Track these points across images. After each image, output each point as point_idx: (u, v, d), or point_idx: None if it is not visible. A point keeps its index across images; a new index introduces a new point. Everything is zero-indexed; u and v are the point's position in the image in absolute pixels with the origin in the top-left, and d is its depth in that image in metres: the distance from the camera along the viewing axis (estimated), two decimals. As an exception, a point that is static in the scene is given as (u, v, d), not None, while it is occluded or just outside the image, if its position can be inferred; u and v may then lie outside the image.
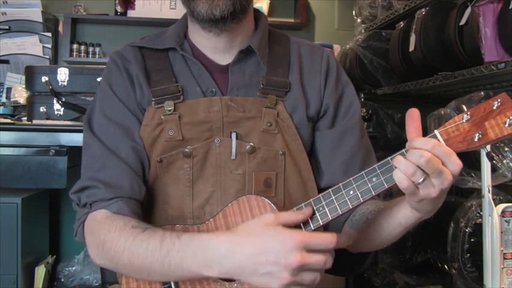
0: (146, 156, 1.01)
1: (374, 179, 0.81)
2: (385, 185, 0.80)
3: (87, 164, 1.00)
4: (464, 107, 0.79)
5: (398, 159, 0.77)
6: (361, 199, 0.82)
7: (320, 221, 0.85)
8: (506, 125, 0.73)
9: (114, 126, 1.01)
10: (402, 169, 0.75)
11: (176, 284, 0.92)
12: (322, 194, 0.85)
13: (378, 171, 0.81)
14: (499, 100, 0.74)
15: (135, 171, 0.98)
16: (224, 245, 0.79)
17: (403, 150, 0.79)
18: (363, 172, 0.82)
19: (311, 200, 0.86)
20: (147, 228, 0.88)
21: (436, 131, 0.79)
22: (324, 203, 0.85)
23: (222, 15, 0.96)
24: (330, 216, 0.84)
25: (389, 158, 0.81)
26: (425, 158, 0.74)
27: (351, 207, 0.83)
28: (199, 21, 1.00)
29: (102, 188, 0.94)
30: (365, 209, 0.99)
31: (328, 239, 0.78)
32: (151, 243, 0.85)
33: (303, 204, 0.86)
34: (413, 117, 0.79)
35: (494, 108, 0.74)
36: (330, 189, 0.85)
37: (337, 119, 1.07)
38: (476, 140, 0.75)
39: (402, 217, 0.88)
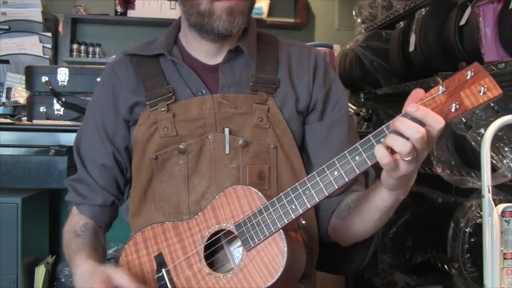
0: (120, 172, 1.14)
1: (357, 158, 0.81)
2: (369, 163, 0.80)
3: (76, 177, 1.17)
4: (440, 80, 0.80)
5: (392, 138, 0.76)
6: (346, 178, 0.82)
7: (307, 204, 0.85)
8: (481, 93, 0.74)
9: (94, 144, 1.13)
10: (397, 147, 0.75)
11: (169, 274, 0.94)
12: (307, 176, 0.85)
13: (360, 150, 0.81)
14: (472, 70, 0.75)
15: (105, 188, 1.13)
16: (76, 277, 0.96)
17: (383, 126, 0.79)
18: (345, 152, 0.82)
19: (297, 184, 0.86)
20: (79, 236, 1.08)
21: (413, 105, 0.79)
22: (309, 185, 0.85)
23: (237, 31, 1.02)
24: (317, 199, 0.84)
25: (370, 135, 0.80)
26: (421, 134, 0.74)
27: (336, 187, 0.83)
28: (207, 34, 1.03)
29: (76, 195, 1.15)
30: (349, 198, 1.03)
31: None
32: (72, 252, 1.05)
33: (289, 189, 0.87)
34: (416, 96, 0.79)
35: (468, 78, 0.75)
36: (314, 172, 0.85)
37: (326, 112, 1.11)
38: (453, 110, 0.76)
39: (379, 200, 0.89)
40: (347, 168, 0.82)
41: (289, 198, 0.86)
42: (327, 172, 0.83)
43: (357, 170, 0.81)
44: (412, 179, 0.84)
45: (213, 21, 0.99)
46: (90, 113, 1.17)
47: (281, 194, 0.87)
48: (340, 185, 0.83)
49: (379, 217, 0.93)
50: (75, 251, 1.03)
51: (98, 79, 1.86)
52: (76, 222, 1.12)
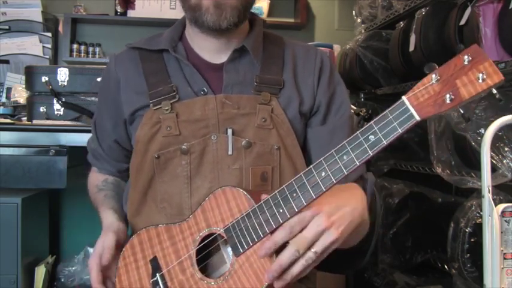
0: (127, 150, 1.20)
1: (345, 157, 0.77)
2: (357, 163, 0.76)
3: (93, 144, 1.25)
4: (436, 66, 0.72)
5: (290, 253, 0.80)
6: (333, 179, 0.78)
7: (295, 208, 0.81)
8: (480, 81, 0.65)
9: (102, 122, 1.21)
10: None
11: (163, 279, 0.94)
12: (294, 178, 0.81)
13: (348, 148, 0.77)
14: (469, 54, 0.66)
15: (117, 161, 1.23)
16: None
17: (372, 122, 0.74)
18: (332, 151, 0.79)
19: (284, 186, 0.83)
20: (101, 190, 1.20)
21: (403, 97, 0.72)
22: (296, 187, 0.81)
23: (228, 26, 1.01)
24: (304, 202, 0.80)
25: (358, 132, 0.75)
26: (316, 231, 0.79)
27: (324, 190, 0.79)
28: (203, 28, 1.03)
29: (95, 160, 1.26)
30: None
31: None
32: (97, 206, 1.18)
33: (276, 191, 0.83)
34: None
35: (466, 63, 0.66)
36: (301, 173, 0.81)
37: (329, 116, 1.10)
38: (448, 101, 0.67)
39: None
40: (335, 169, 0.77)
41: (276, 201, 0.82)
42: (314, 173, 0.79)
43: (345, 171, 0.77)
44: (349, 226, 0.85)
45: (202, 15, 1.00)
46: (98, 97, 1.26)
47: (268, 196, 0.84)
48: (328, 187, 0.79)
49: (353, 237, 0.91)
50: (100, 205, 1.16)
51: (98, 79, 1.86)
52: (97, 178, 1.25)
